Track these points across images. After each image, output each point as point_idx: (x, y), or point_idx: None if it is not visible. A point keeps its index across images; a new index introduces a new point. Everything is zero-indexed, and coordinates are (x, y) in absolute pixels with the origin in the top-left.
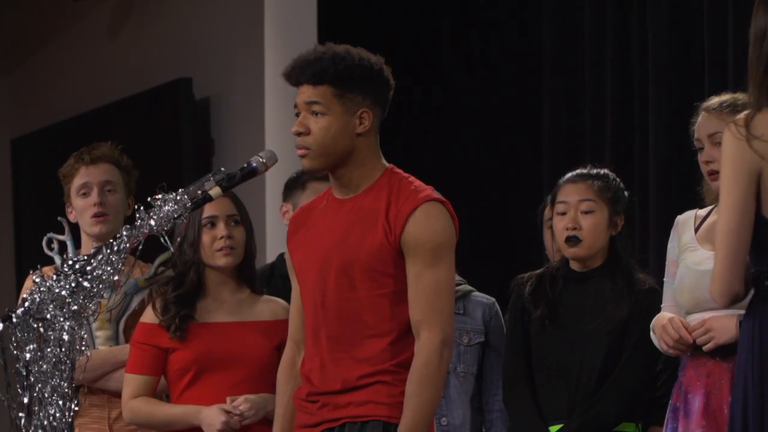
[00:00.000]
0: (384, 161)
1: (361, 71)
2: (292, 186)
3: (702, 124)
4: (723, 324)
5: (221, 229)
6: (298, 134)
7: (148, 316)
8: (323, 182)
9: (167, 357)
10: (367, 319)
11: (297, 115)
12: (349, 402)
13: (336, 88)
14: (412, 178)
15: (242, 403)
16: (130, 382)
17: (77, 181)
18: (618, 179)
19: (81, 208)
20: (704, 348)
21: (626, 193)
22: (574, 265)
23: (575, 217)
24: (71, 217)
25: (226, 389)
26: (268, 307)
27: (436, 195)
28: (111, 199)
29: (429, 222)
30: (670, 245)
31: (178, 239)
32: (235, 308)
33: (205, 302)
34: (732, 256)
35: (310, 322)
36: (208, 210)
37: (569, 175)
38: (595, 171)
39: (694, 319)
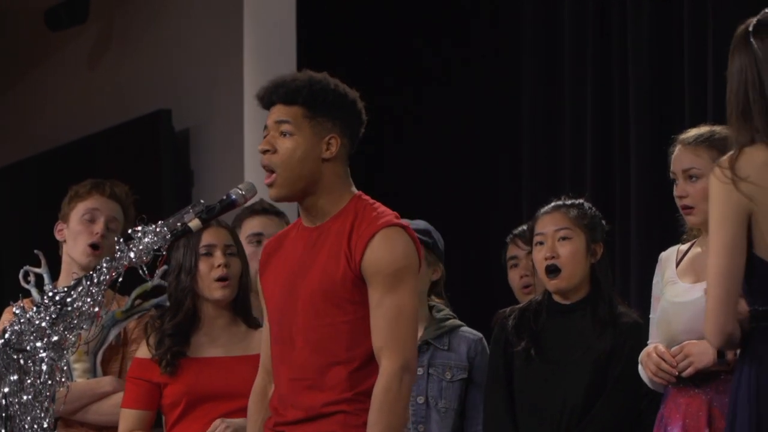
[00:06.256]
0: (353, 188)
1: (335, 97)
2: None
3: (677, 158)
4: (701, 349)
5: (219, 258)
6: (264, 152)
7: (142, 351)
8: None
9: (161, 391)
10: (331, 347)
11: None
12: None
13: (307, 109)
14: (377, 205)
15: (219, 425)
16: (125, 417)
17: (87, 204)
18: (594, 208)
19: (78, 232)
20: (684, 374)
21: (603, 222)
22: (557, 298)
23: (552, 246)
24: (60, 236)
25: None
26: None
27: (397, 220)
28: (111, 236)
29: (388, 248)
30: (654, 281)
31: (172, 268)
32: (228, 343)
33: (198, 336)
34: (724, 297)
35: (276, 351)
36: (206, 239)
37: (545, 207)
38: (570, 201)
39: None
